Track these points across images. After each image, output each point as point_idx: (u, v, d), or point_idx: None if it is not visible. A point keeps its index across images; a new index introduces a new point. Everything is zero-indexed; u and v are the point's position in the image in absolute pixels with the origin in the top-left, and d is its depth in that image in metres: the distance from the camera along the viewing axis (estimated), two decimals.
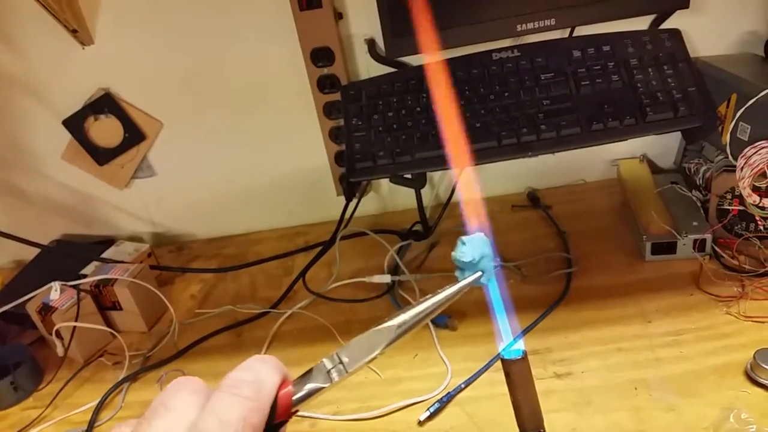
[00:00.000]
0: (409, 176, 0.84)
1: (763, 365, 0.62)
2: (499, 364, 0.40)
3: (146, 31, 0.92)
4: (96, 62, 0.95)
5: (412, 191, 0.92)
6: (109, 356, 0.86)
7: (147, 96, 0.98)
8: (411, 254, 0.94)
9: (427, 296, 0.33)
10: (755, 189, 0.73)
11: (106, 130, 1.00)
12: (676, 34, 0.81)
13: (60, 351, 0.84)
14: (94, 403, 0.77)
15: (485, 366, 0.71)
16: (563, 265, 0.84)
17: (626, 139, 0.78)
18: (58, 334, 0.83)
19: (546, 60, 0.82)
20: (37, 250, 1.00)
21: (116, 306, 0.88)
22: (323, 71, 0.91)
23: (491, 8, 0.82)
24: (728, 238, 0.81)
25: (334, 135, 0.96)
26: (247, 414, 0.28)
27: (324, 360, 0.32)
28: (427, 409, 0.66)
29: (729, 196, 0.80)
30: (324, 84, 0.92)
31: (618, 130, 0.77)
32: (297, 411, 0.31)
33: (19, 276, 1.01)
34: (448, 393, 0.68)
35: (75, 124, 0.99)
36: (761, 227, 0.80)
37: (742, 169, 0.73)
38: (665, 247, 0.81)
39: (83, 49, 0.93)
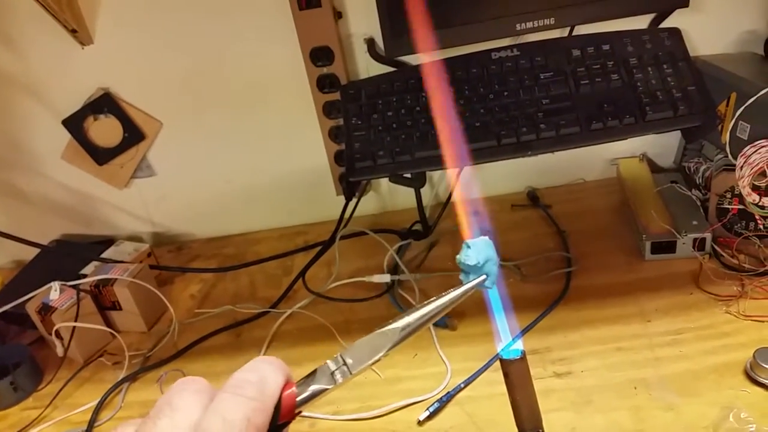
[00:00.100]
0: (408, 176, 0.84)
1: (763, 364, 0.62)
2: (499, 363, 0.40)
3: (146, 30, 0.92)
4: (95, 62, 0.95)
5: (411, 191, 0.92)
6: (109, 356, 0.86)
7: (146, 96, 0.98)
8: (411, 254, 0.94)
9: (431, 299, 0.33)
10: (755, 188, 0.73)
11: (105, 130, 1.00)
12: (675, 33, 0.81)
13: (60, 351, 0.84)
14: (94, 403, 0.77)
15: (485, 366, 0.71)
16: (563, 265, 0.84)
17: (626, 138, 0.78)
18: (58, 334, 0.83)
19: (545, 59, 0.82)
20: (36, 250, 1.00)
21: (116, 306, 0.88)
22: (323, 71, 0.91)
23: (490, 7, 0.82)
24: (728, 237, 0.81)
25: (333, 134, 0.96)
26: (251, 414, 0.28)
27: (328, 361, 0.32)
28: (427, 409, 0.66)
29: (729, 195, 0.80)
30: (323, 83, 0.92)
31: (617, 129, 0.77)
32: (300, 412, 0.31)
33: (19, 276, 1.01)
34: (448, 393, 0.68)
35: (74, 123, 0.99)
36: (761, 226, 0.80)
37: (741, 168, 0.73)
38: (665, 247, 0.81)
39: (83, 49, 0.93)
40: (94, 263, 0.94)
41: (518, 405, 0.40)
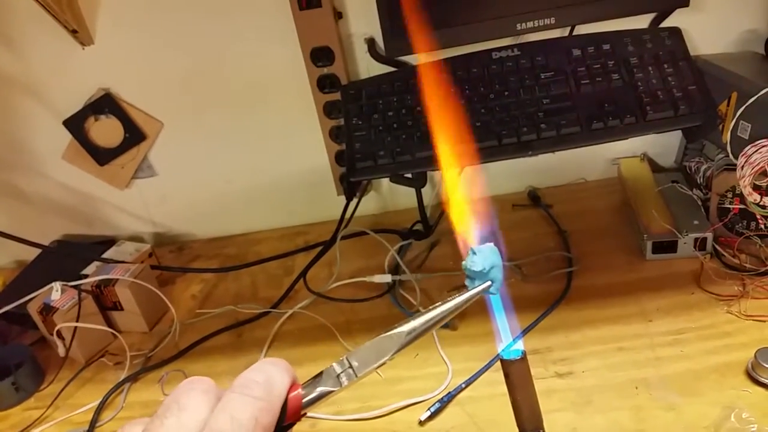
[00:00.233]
0: (409, 175, 0.84)
1: (764, 364, 0.61)
2: (499, 363, 0.40)
3: (146, 31, 0.92)
4: (96, 62, 0.95)
5: (412, 191, 0.92)
6: (111, 356, 0.86)
7: (147, 96, 0.98)
8: (412, 254, 0.94)
9: (437, 303, 0.34)
10: (756, 187, 0.73)
11: (106, 131, 1.00)
12: (676, 32, 0.81)
13: (61, 351, 0.84)
14: (96, 403, 0.77)
15: (486, 366, 0.71)
16: (564, 264, 0.84)
17: (626, 138, 0.78)
18: (60, 335, 0.83)
19: (546, 59, 0.82)
20: (38, 251, 1.00)
21: (117, 306, 0.88)
22: (323, 71, 0.91)
23: (491, 7, 0.82)
24: (729, 237, 0.81)
25: (334, 134, 0.96)
26: (258, 414, 0.28)
27: (334, 364, 0.32)
28: (428, 409, 0.66)
29: (730, 195, 0.80)
30: (324, 83, 0.92)
31: (618, 129, 0.77)
32: (305, 413, 0.32)
33: (20, 276, 1.01)
34: (449, 393, 0.68)
35: (75, 124, 0.99)
36: (762, 226, 0.80)
37: (742, 167, 0.72)
38: (666, 246, 0.81)
39: (83, 49, 0.93)
40: (96, 263, 0.94)
41: (519, 405, 0.40)
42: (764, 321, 0.70)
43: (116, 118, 0.98)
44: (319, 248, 0.95)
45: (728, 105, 0.77)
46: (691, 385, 0.64)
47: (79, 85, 0.97)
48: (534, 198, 1.00)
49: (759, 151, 0.71)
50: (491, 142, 0.78)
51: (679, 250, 0.81)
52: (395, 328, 0.33)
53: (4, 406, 0.80)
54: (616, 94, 0.78)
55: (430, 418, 0.66)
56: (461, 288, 0.36)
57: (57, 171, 1.05)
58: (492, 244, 0.37)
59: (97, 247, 1.02)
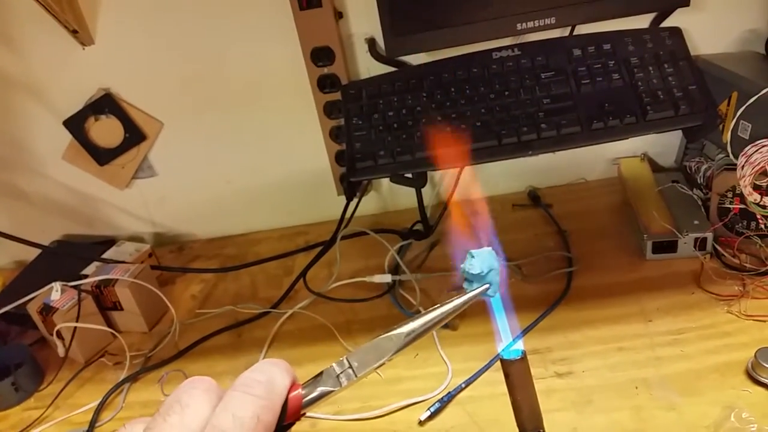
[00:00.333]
0: (409, 175, 0.84)
1: (765, 364, 0.61)
2: (499, 363, 0.40)
3: (147, 31, 0.92)
4: (96, 62, 0.95)
5: (412, 190, 0.92)
6: (110, 356, 0.86)
7: (147, 96, 0.98)
8: (412, 254, 0.94)
9: (436, 306, 0.34)
10: (756, 187, 0.73)
11: (106, 131, 1.00)
12: (676, 32, 0.81)
13: (61, 351, 0.84)
14: (95, 403, 0.77)
15: (486, 365, 0.71)
16: (564, 264, 0.84)
17: (627, 138, 0.78)
18: (59, 335, 0.83)
19: (546, 59, 0.82)
20: (38, 251, 1.00)
21: (117, 306, 0.88)
22: (323, 71, 0.91)
23: (491, 7, 0.82)
24: (729, 237, 0.81)
25: (334, 134, 0.96)
26: (259, 412, 0.29)
27: (334, 364, 0.33)
28: (428, 409, 0.66)
29: (730, 195, 0.80)
30: (324, 83, 0.92)
31: (618, 129, 0.77)
32: (305, 413, 0.32)
33: (20, 276, 1.01)
34: (449, 393, 0.68)
35: (75, 124, 0.99)
36: (762, 226, 0.80)
37: (743, 167, 0.72)
38: (666, 246, 0.81)
39: (83, 49, 0.93)
40: (95, 264, 0.94)
41: (519, 405, 0.40)
42: (764, 321, 0.69)
43: (116, 118, 0.98)
44: (319, 248, 0.95)
45: (728, 105, 0.77)
46: (691, 384, 0.64)
47: (79, 85, 0.97)
48: (534, 198, 1.00)
49: (759, 150, 0.71)
50: (491, 141, 0.78)
51: (679, 250, 0.81)
52: (394, 329, 0.33)
53: (3, 406, 0.80)
54: (616, 93, 0.78)
55: (430, 417, 0.66)
56: (460, 289, 0.36)
57: (57, 171, 1.05)
58: (490, 247, 0.38)
59: (97, 247, 1.02)
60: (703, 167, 0.86)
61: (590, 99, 0.79)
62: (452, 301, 0.35)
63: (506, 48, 0.84)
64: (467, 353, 0.73)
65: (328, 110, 0.94)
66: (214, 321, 0.89)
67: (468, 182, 0.91)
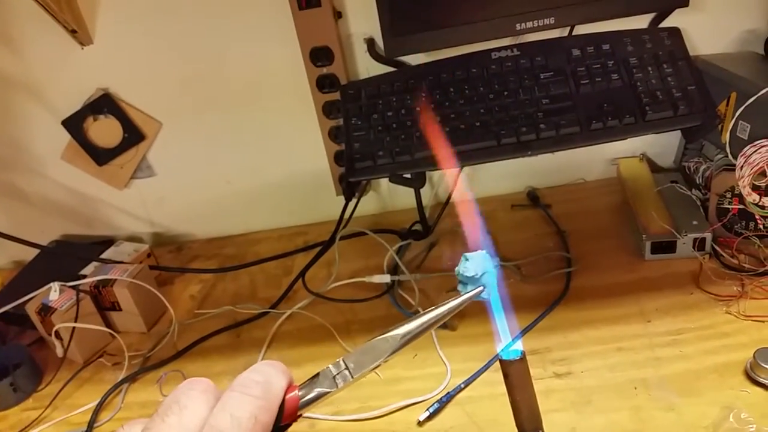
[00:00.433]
0: (408, 176, 0.84)
1: (763, 364, 0.61)
2: (498, 363, 0.40)
3: (146, 31, 0.92)
4: (95, 62, 0.95)
5: (411, 191, 0.92)
6: (109, 357, 0.86)
7: (146, 96, 0.98)
8: (411, 254, 0.94)
9: (431, 308, 0.35)
10: (755, 188, 0.73)
11: (105, 131, 1.00)
12: (675, 32, 0.81)
13: (59, 352, 0.84)
14: (94, 403, 0.77)
15: (485, 366, 0.71)
16: (563, 265, 0.84)
17: (626, 138, 0.78)
18: (58, 335, 0.83)
19: (545, 59, 0.82)
20: (36, 251, 1.00)
21: (116, 306, 0.88)
22: (322, 71, 0.91)
23: (490, 7, 0.82)
24: (728, 237, 0.81)
25: (333, 135, 0.96)
26: (257, 412, 0.29)
27: (330, 366, 0.33)
28: (427, 409, 0.66)
29: (729, 195, 0.80)
30: (323, 83, 0.92)
31: (617, 129, 0.77)
32: (302, 414, 0.32)
33: (19, 276, 1.01)
34: (448, 393, 0.68)
35: (74, 124, 0.99)
36: (761, 226, 0.80)
37: (741, 167, 0.72)
38: (665, 246, 0.81)
39: (82, 49, 0.93)
40: (94, 264, 0.94)
41: (518, 405, 0.40)
42: (763, 321, 0.70)
43: (115, 118, 0.98)
44: (318, 248, 0.95)
45: (727, 105, 0.77)
46: (690, 385, 0.64)
47: (78, 85, 0.97)
48: (533, 198, 1.00)
49: (758, 151, 0.71)
50: (490, 142, 0.78)
51: (678, 251, 0.81)
52: (390, 330, 0.34)
53: (2, 407, 0.80)
54: (615, 94, 0.78)
55: (429, 418, 0.66)
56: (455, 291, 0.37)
57: (56, 171, 1.04)
58: (484, 251, 0.38)
59: (95, 247, 1.02)
60: (702, 167, 0.86)
61: (589, 99, 0.79)
62: (447, 303, 0.35)
63: (505, 48, 0.84)
64: (466, 353, 0.73)
65: (327, 110, 0.94)
66: (212, 321, 0.89)
67: (467, 182, 0.92)
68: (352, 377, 0.33)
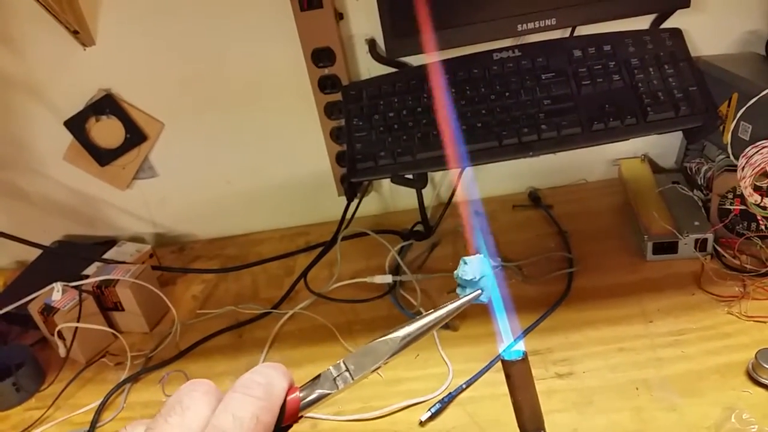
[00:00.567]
0: (410, 176, 0.84)
1: (765, 365, 0.61)
2: (500, 364, 0.40)
3: (147, 31, 0.93)
4: (97, 63, 0.95)
5: (413, 191, 0.92)
6: (111, 357, 0.86)
7: (148, 97, 0.98)
8: (412, 254, 0.94)
9: (430, 311, 0.35)
10: (757, 188, 0.73)
11: (107, 131, 1.00)
12: (677, 33, 0.81)
13: (62, 352, 0.84)
14: (96, 403, 0.77)
15: (486, 366, 0.71)
16: (564, 265, 0.84)
17: (627, 139, 0.78)
18: (60, 335, 0.83)
19: (547, 60, 0.82)
20: (39, 251, 1.00)
21: (118, 306, 0.89)
22: (324, 71, 0.91)
23: (492, 8, 0.82)
24: (730, 238, 0.81)
25: (335, 135, 0.96)
26: (259, 412, 0.29)
27: (331, 367, 0.33)
28: (429, 410, 0.67)
29: (730, 196, 0.80)
30: (325, 84, 0.92)
31: (619, 130, 0.77)
32: (303, 415, 0.33)
33: (21, 277, 1.01)
34: (450, 393, 0.68)
35: (76, 124, 0.99)
36: (763, 227, 0.80)
37: (743, 168, 0.72)
38: (666, 247, 0.81)
39: (84, 50, 0.93)
40: (96, 264, 0.94)
41: (520, 406, 0.40)
42: (765, 322, 0.70)
43: (117, 119, 0.98)
44: (320, 249, 0.95)
45: (729, 106, 0.77)
46: (692, 385, 0.64)
47: (80, 86, 0.97)
48: (535, 199, 1.01)
49: (760, 152, 0.71)
50: (492, 142, 0.78)
51: (680, 251, 0.81)
52: (391, 332, 0.34)
53: (4, 407, 0.80)
54: (616, 95, 0.78)
55: (431, 418, 0.66)
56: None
57: (58, 171, 1.05)
58: (482, 255, 0.39)
59: (97, 247, 1.02)
60: (704, 168, 0.86)
61: (591, 100, 0.79)
62: (446, 306, 0.36)
63: (507, 49, 0.84)
64: (468, 354, 0.73)
65: (329, 111, 0.94)
66: (214, 321, 0.89)
67: (468, 183, 0.92)
68: (352, 379, 0.33)
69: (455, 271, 0.39)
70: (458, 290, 0.39)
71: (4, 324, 0.93)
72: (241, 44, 0.93)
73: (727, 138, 0.77)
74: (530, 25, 0.82)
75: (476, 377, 0.70)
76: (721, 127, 0.78)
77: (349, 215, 0.94)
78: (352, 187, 0.93)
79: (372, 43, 0.91)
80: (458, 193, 0.96)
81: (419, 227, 0.98)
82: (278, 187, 1.05)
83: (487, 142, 0.78)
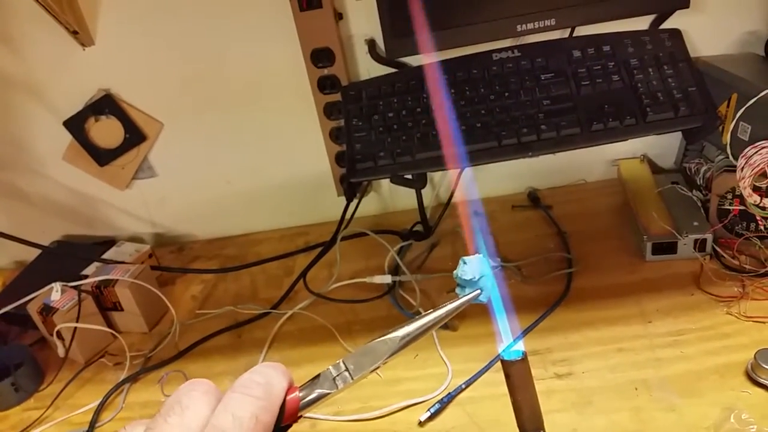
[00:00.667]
0: (409, 176, 0.84)
1: (764, 365, 0.62)
2: (499, 364, 0.40)
3: (147, 31, 0.93)
4: (96, 63, 0.95)
5: (412, 191, 0.92)
6: (110, 357, 0.86)
7: (147, 97, 0.98)
8: (412, 254, 0.94)
9: (430, 311, 0.35)
10: (756, 189, 0.73)
11: (106, 131, 1.00)
12: (676, 34, 0.81)
13: (61, 352, 0.84)
14: (95, 403, 0.77)
15: (486, 366, 0.71)
16: (564, 266, 0.84)
17: (627, 139, 0.78)
18: (59, 335, 0.83)
19: (546, 60, 0.82)
20: (38, 251, 1.00)
21: (117, 307, 0.88)
22: (323, 72, 0.91)
23: (491, 8, 0.82)
24: (729, 238, 0.81)
25: (334, 135, 0.96)
26: (258, 412, 0.29)
27: (330, 367, 0.33)
28: (428, 410, 0.67)
29: (730, 196, 0.80)
30: (324, 84, 0.92)
31: (618, 130, 0.77)
32: (302, 415, 0.33)
33: (20, 277, 1.01)
34: (449, 393, 0.68)
35: (76, 125, 0.99)
36: (762, 227, 0.80)
37: (742, 169, 0.73)
38: (666, 247, 0.81)
39: (84, 50, 0.93)
40: (96, 264, 0.94)
41: (519, 406, 0.40)
42: (764, 322, 0.70)
43: (116, 119, 0.98)
44: (320, 249, 0.95)
45: (728, 106, 0.77)
46: (691, 386, 0.64)
47: (79, 86, 0.97)
48: (534, 199, 1.01)
49: (759, 152, 0.71)
50: (491, 143, 0.78)
51: (679, 252, 0.81)
52: (390, 332, 0.34)
53: (3, 407, 0.80)
54: (616, 95, 0.78)
55: (430, 418, 0.66)
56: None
57: (57, 171, 1.05)
58: (481, 255, 0.39)
59: (97, 247, 1.02)
60: (703, 169, 0.86)
61: (590, 100, 0.79)
62: (445, 306, 0.36)
63: (506, 49, 0.84)
64: (467, 354, 0.73)
65: (328, 111, 0.94)
66: (214, 321, 0.89)
67: (468, 183, 0.92)
68: (352, 379, 0.33)
69: (455, 271, 0.39)
70: (458, 290, 0.39)
71: (3, 324, 0.93)
72: (240, 44, 0.93)
73: (727, 138, 0.77)
74: (530, 26, 0.82)
75: (475, 377, 0.70)
76: (721, 128, 0.78)
77: (348, 215, 0.94)
78: (351, 187, 0.93)
79: (371, 44, 0.91)
80: (457, 194, 0.96)
81: (418, 227, 0.98)
82: (277, 188, 1.05)
83: (487, 143, 0.78)
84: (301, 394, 0.32)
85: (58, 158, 1.03)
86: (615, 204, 0.96)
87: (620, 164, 1.00)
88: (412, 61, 0.91)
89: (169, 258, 1.07)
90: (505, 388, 0.40)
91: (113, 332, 0.88)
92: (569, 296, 0.79)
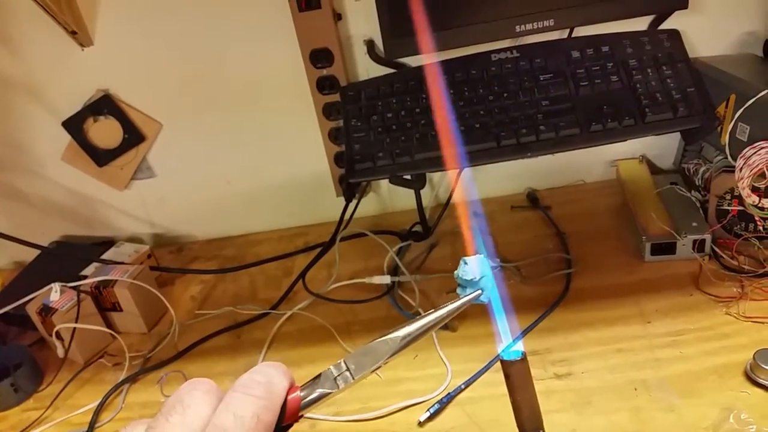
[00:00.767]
0: (408, 177, 0.84)
1: (763, 366, 0.62)
2: (499, 364, 0.40)
3: (145, 32, 0.92)
4: (95, 63, 0.95)
5: (411, 192, 0.92)
6: (109, 357, 0.86)
7: (146, 97, 0.98)
8: (411, 255, 0.94)
9: (430, 311, 0.36)
10: (754, 189, 0.73)
11: (105, 132, 1.00)
12: (675, 34, 0.81)
13: (60, 352, 0.84)
14: (95, 404, 0.77)
15: (485, 367, 0.71)
16: (563, 266, 0.84)
17: (625, 140, 0.78)
18: (59, 336, 0.83)
19: (545, 61, 0.82)
20: (37, 252, 1.00)
21: (116, 307, 0.88)
22: (322, 72, 0.91)
23: (490, 9, 0.82)
24: (728, 239, 0.82)
25: (333, 136, 0.96)
26: (259, 412, 0.29)
27: (331, 367, 0.33)
28: (428, 410, 0.67)
29: (728, 197, 0.80)
30: (323, 85, 0.92)
31: (617, 131, 0.77)
32: (303, 414, 0.33)
33: (19, 277, 1.01)
34: (448, 394, 0.68)
35: (74, 125, 0.99)
36: (760, 227, 0.80)
37: (741, 169, 0.73)
38: (665, 248, 0.81)
39: (82, 50, 0.93)
40: (95, 264, 0.94)
41: (519, 406, 0.40)
42: (763, 322, 0.70)
43: (115, 119, 0.98)
44: (319, 249, 0.95)
45: (727, 107, 0.78)
46: (690, 386, 0.64)
47: (78, 86, 0.97)
48: (533, 199, 1.01)
49: (758, 152, 0.71)
50: (490, 143, 0.78)
51: (678, 252, 0.81)
52: (391, 332, 0.34)
53: (3, 407, 0.80)
54: (614, 96, 0.78)
55: (430, 418, 0.66)
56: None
57: (56, 172, 1.05)
58: (482, 255, 0.39)
59: (96, 248, 1.02)
60: (702, 169, 0.86)
61: (589, 101, 0.79)
62: (446, 306, 0.36)
63: (505, 50, 0.84)
64: (466, 354, 0.73)
65: (327, 112, 0.94)
66: (213, 322, 0.89)
67: (467, 184, 0.92)
68: (353, 378, 0.33)
69: (455, 271, 0.39)
70: (458, 290, 0.39)
71: (3, 324, 0.93)
72: (239, 44, 0.93)
73: (725, 139, 0.77)
74: (528, 26, 0.82)
75: (475, 377, 0.70)
76: (719, 128, 0.78)
77: (347, 216, 0.94)
78: (350, 187, 0.93)
79: (370, 44, 0.91)
80: (456, 194, 0.96)
81: (418, 228, 0.98)
82: (277, 188, 1.05)
83: (486, 143, 0.79)
84: (302, 394, 0.32)
85: (57, 159, 1.03)
86: (614, 204, 0.96)
87: (619, 165, 1.00)
88: (411, 61, 0.91)
89: (168, 258, 1.07)
90: (504, 389, 0.40)
91: (112, 333, 0.88)
92: (568, 297, 0.80)
